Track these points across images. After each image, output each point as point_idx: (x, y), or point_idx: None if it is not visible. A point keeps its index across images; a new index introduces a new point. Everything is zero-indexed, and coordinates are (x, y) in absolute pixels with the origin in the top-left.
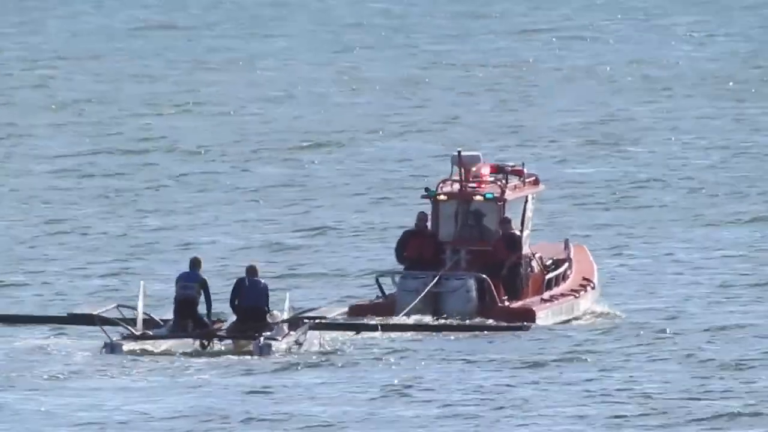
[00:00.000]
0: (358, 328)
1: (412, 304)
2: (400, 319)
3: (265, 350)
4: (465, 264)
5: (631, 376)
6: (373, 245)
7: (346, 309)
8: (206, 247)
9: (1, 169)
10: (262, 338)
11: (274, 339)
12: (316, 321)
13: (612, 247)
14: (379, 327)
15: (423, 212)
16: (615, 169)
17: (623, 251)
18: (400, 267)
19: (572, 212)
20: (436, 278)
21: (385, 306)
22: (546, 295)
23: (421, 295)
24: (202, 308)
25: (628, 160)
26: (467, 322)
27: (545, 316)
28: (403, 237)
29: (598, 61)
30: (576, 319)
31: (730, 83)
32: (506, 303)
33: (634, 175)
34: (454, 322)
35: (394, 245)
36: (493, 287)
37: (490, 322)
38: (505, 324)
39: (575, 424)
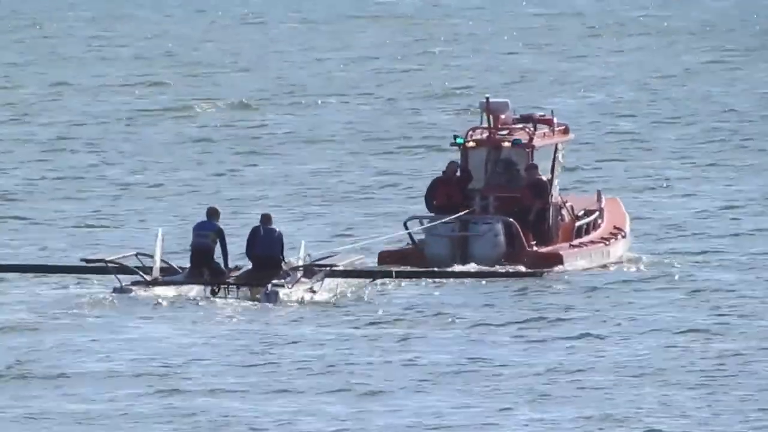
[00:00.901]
0: (374, 276)
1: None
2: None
3: (272, 297)
4: (493, 210)
5: (655, 322)
6: (403, 193)
7: (362, 257)
8: (226, 198)
9: (23, 118)
10: (269, 285)
11: (282, 286)
12: (331, 269)
13: (646, 198)
14: (394, 274)
15: (453, 161)
16: (652, 121)
17: (657, 202)
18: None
19: (607, 165)
20: (462, 220)
21: (414, 252)
22: (575, 241)
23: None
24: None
25: (659, 112)
26: (491, 268)
27: (573, 260)
28: (432, 184)
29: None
30: (605, 266)
31: None
32: (534, 247)
33: (668, 127)
34: (472, 268)
35: (423, 193)
36: (521, 231)
37: (518, 266)
38: (521, 271)
39: (600, 373)
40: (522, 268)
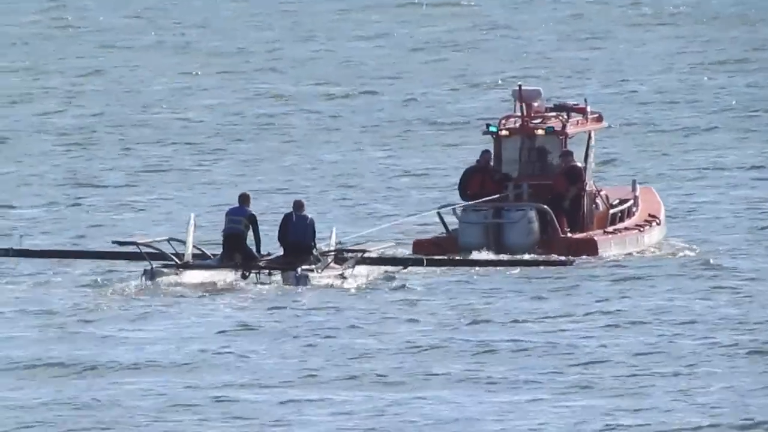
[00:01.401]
0: (405, 263)
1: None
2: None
3: (302, 280)
4: (527, 197)
5: (688, 310)
6: (437, 182)
7: (392, 244)
8: (259, 185)
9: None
10: (299, 269)
11: (312, 271)
12: (362, 255)
13: (681, 188)
14: (425, 261)
15: (487, 150)
16: (684, 112)
17: (692, 192)
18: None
19: (641, 155)
20: (495, 208)
21: (448, 240)
22: (610, 228)
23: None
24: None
25: (698, 102)
26: (523, 256)
27: (607, 247)
28: (466, 173)
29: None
30: (639, 253)
31: None
32: (568, 234)
33: (702, 117)
34: (502, 257)
35: (457, 183)
36: (555, 218)
37: (552, 253)
38: (551, 259)
39: (629, 357)
40: (555, 255)
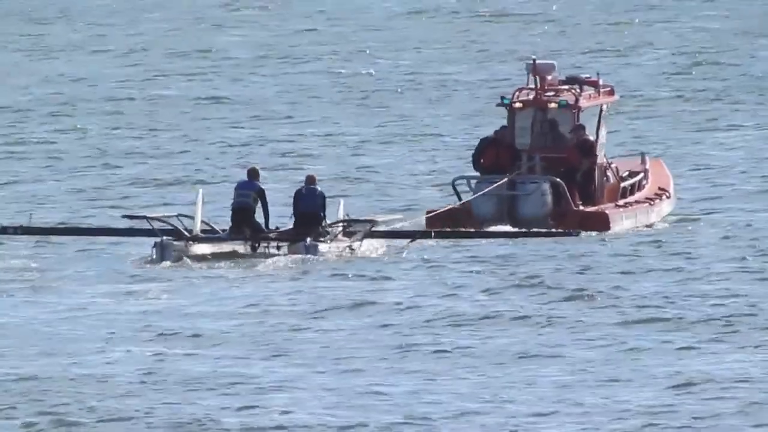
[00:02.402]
0: (413, 236)
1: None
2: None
3: (311, 250)
4: (540, 170)
5: (699, 283)
6: (452, 153)
7: (401, 216)
8: (268, 159)
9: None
10: (308, 239)
11: (322, 241)
12: (371, 227)
13: (690, 161)
14: (433, 234)
15: (506, 126)
16: (695, 85)
17: (700, 164)
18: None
19: (651, 127)
20: (510, 180)
21: (462, 211)
22: (621, 202)
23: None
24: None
25: (710, 78)
26: (533, 227)
27: (619, 220)
28: (480, 145)
29: None
30: (650, 225)
31: None
32: (581, 207)
33: (710, 91)
34: (513, 228)
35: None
36: (567, 191)
37: (564, 225)
38: (557, 231)
39: (642, 333)
40: (567, 227)
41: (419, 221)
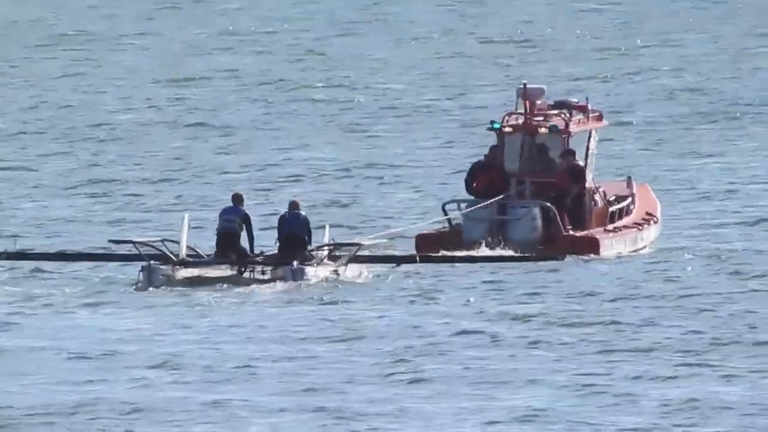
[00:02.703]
0: (398, 261)
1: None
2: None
3: (297, 275)
4: (529, 194)
5: (689, 307)
6: (442, 177)
7: (385, 241)
8: (250, 185)
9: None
10: (295, 263)
11: (308, 265)
12: (356, 251)
13: (675, 184)
14: (418, 259)
15: (495, 146)
16: (676, 107)
17: (686, 187)
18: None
19: (636, 151)
20: (500, 204)
21: (452, 235)
22: (610, 226)
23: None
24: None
25: (692, 102)
26: (521, 252)
27: (609, 245)
28: (472, 169)
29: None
30: (638, 250)
31: None
32: (571, 232)
33: (695, 113)
34: (494, 253)
35: (463, 178)
36: (558, 216)
37: (554, 250)
38: (541, 255)
39: (635, 356)
40: (557, 252)
41: (407, 245)
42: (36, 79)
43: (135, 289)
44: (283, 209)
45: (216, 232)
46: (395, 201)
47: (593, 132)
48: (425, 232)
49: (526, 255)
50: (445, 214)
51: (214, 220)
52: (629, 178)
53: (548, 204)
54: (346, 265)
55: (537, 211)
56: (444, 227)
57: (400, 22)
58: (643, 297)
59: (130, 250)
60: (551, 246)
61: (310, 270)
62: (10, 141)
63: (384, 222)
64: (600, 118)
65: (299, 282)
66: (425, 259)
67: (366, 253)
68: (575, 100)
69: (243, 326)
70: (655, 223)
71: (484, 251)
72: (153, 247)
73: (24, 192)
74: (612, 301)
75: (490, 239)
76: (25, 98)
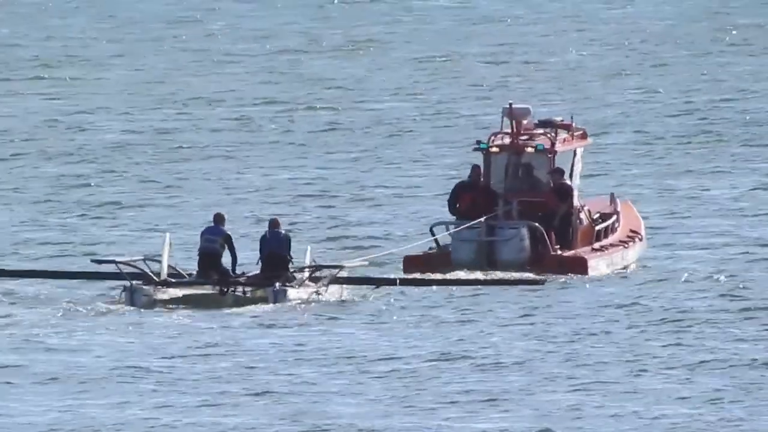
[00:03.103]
0: (378, 283)
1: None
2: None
3: (280, 296)
4: (517, 214)
5: (675, 324)
6: (426, 197)
7: (365, 263)
8: (247, 204)
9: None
10: (277, 284)
11: (290, 286)
12: (337, 272)
13: (656, 201)
14: (398, 281)
15: (477, 165)
16: (658, 122)
17: (669, 204)
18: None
19: (618, 167)
20: (488, 225)
21: (440, 257)
22: (596, 245)
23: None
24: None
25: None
26: (508, 273)
27: (596, 264)
28: (456, 190)
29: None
30: (626, 268)
31: None
32: (559, 252)
33: (677, 127)
34: (479, 276)
35: (446, 198)
36: (545, 235)
37: (542, 271)
38: (525, 278)
39: (625, 374)
40: (545, 272)
41: (390, 266)
42: (16, 100)
43: (116, 308)
44: (264, 229)
45: (198, 252)
46: (379, 222)
47: (578, 150)
48: (413, 253)
49: (507, 279)
50: (433, 236)
51: (195, 243)
52: (612, 194)
53: (536, 224)
54: (327, 286)
55: (525, 231)
56: (431, 248)
57: (384, 42)
58: (634, 315)
59: (112, 269)
60: (539, 266)
61: (291, 291)
62: None
63: (369, 243)
64: (584, 136)
65: (281, 303)
66: (405, 282)
67: (345, 274)
68: (560, 118)
69: (224, 346)
70: (640, 240)
71: (467, 274)
72: (135, 266)
73: (4, 211)
74: (601, 319)
75: (478, 260)
76: (5, 118)
